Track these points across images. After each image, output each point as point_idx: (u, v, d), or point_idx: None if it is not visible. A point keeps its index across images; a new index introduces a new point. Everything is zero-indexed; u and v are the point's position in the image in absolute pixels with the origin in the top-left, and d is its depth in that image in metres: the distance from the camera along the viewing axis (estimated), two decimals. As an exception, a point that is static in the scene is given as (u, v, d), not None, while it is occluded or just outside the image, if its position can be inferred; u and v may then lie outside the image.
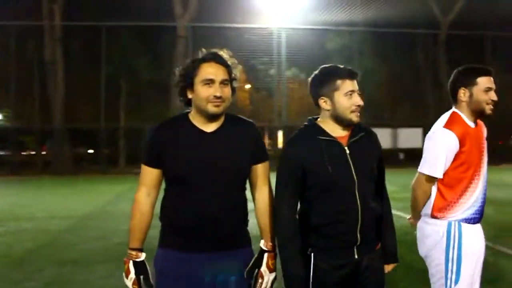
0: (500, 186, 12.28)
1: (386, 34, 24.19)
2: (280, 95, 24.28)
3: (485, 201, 2.66)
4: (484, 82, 2.62)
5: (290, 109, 24.79)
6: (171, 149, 2.16)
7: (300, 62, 23.18)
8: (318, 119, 2.33)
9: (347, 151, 2.23)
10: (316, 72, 2.29)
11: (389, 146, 23.49)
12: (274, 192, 2.27)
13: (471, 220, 2.60)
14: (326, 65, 2.31)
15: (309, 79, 2.32)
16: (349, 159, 2.22)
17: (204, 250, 2.15)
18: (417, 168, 2.65)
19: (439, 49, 26.21)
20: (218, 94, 2.10)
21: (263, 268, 2.20)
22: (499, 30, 24.94)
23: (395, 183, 14.81)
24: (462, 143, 2.54)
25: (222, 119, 2.22)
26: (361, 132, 2.29)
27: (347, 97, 2.19)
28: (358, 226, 2.19)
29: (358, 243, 2.21)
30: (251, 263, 2.22)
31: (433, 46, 26.67)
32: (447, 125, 2.59)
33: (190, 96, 2.18)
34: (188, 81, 2.15)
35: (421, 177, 2.63)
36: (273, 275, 2.24)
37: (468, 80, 2.65)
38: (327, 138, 2.22)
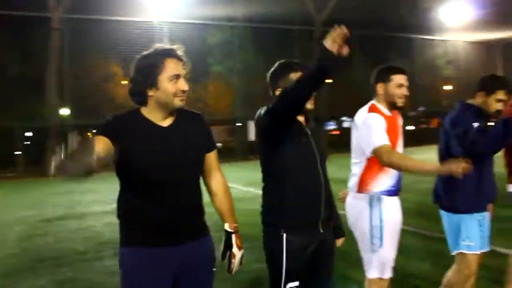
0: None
1: (265, 29, 25.08)
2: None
3: (401, 178, 3.13)
4: (397, 79, 3.12)
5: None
6: (129, 144, 2.14)
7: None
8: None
9: (309, 132, 2.56)
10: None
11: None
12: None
13: (390, 193, 3.06)
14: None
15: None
16: (311, 138, 2.54)
17: (172, 243, 2.21)
18: None
19: (314, 45, 27.79)
20: (185, 89, 2.18)
21: (234, 249, 2.39)
22: (366, 29, 27.21)
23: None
24: (388, 123, 3.07)
25: (174, 114, 2.27)
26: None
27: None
28: (322, 202, 2.48)
29: (322, 218, 2.48)
30: (222, 247, 2.40)
31: (309, 42, 28.15)
32: (370, 111, 3.12)
33: (151, 93, 2.17)
34: (152, 79, 2.14)
35: (382, 149, 2.94)
36: (241, 252, 2.43)
37: (384, 76, 3.15)
38: None
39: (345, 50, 2.16)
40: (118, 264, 2.29)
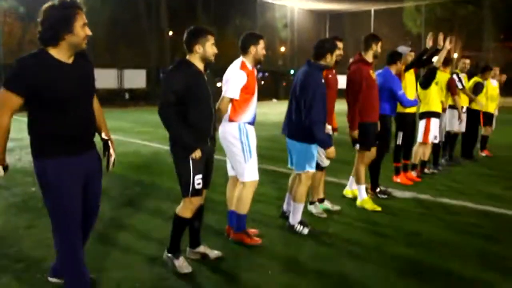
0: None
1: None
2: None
3: (256, 114, 4.34)
4: (262, 44, 4.32)
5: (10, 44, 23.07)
6: (45, 79, 2.72)
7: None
8: None
9: (205, 78, 3.71)
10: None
11: (115, 86, 24.39)
12: None
13: (250, 123, 4.26)
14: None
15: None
16: (207, 82, 3.71)
17: (82, 152, 2.96)
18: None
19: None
20: (90, 34, 2.82)
21: (111, 150, 3.17)
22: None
23: (128, 119, 16.52)
24: (248, 79, 4.17)
25: (74, 54, 2.88)
26: None
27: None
28: (211, 125, 3.72)
29: (210, 136, 3.72)
30: (103, 150, 3.15)
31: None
32: (241, 68, 4.18)
33: (66, 37, 2.74)
34: (70, 26, 2.73)
35: (226, 98, 4.15)
36: (115, 154, 3.21)
37: (254, 40, 4.28)
38: None
39: None
40: (37, 175, 2.86)
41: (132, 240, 4.40)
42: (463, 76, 8.57)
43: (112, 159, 3.16)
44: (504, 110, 11.29)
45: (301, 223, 4.66)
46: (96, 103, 3.17)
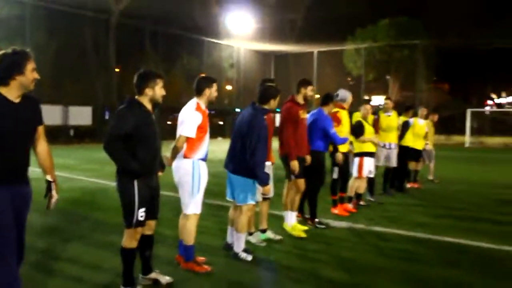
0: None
1: (57, 11, 24.46)
2: None
3: (208, 152, 4.67)
4: (215, 86, 4.76)
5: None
6: None
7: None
8: None
9: (153, 117, 4.07)
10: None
11: (60, 122, 24.11)
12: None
13: (203, 159, 4.59)
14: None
15: None
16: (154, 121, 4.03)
17: (17, 184, 3.24)
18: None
19: (110, 34, 28.16)
20: (38, 77, 3.22)
21: (53, 192, 3.35)
22: (156, 25, 28.95)
23: (73, 157, 16.32)
24: (202, 119, 4.52)
25: (21, 94, 3.23)
26: None
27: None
28: (157, 161, 4.03)
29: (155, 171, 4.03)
30: (46, 190, 3.34)
31: (104, 31, 28.29)
32: (196, 109, 4.52)
33: (17, 77, 3.13)
34: (22, 68, 3.14)
35: (182, 137, 4.45)
36: (57, 195, 3.38)
37: (208, 83, 4.68)
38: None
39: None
40: None
41: (82, 271, 4.54)
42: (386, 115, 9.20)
43: (53, 200, 3.36)
44: (437, 147, 12.21)
45: (245, 251, 4.99)
46: (43, 144, 3.43)
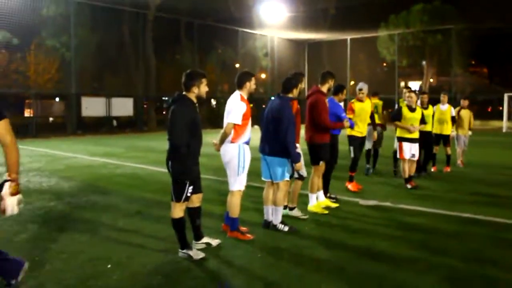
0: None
1: (99, 7, 25.53)
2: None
3: (250, 137, 5.33)
4: (254, 80, 5.41)
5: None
6: None
7: (12, 26, 22.67)
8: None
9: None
10: None
11: (104, 114, 25.34)
12: None
13: (247, 143, 5.26)
14: None
15: None
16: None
17: None
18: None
19: (147, 28, 29.19)
20: None
21: (3, 192, 3.19)
22: (193, 18, 29.81)
23: (119, 145, 17.39)
24: (246, 108, 5.19)
25: None
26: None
27: None
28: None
29: None
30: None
31: (142, 24, 29.29)
32: (241, 99, 5.18)
33: None
34: None
35: (230, 124, 5.12)
36: (15, 197, 3.23)
37: (248, 77, 5.35)
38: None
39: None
40: None
41: (144, 241, 5.39)
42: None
43: (4, 202, 3.12)
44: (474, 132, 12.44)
45: (282, 222, 5.71)
46: (8, 140, 3.28)
